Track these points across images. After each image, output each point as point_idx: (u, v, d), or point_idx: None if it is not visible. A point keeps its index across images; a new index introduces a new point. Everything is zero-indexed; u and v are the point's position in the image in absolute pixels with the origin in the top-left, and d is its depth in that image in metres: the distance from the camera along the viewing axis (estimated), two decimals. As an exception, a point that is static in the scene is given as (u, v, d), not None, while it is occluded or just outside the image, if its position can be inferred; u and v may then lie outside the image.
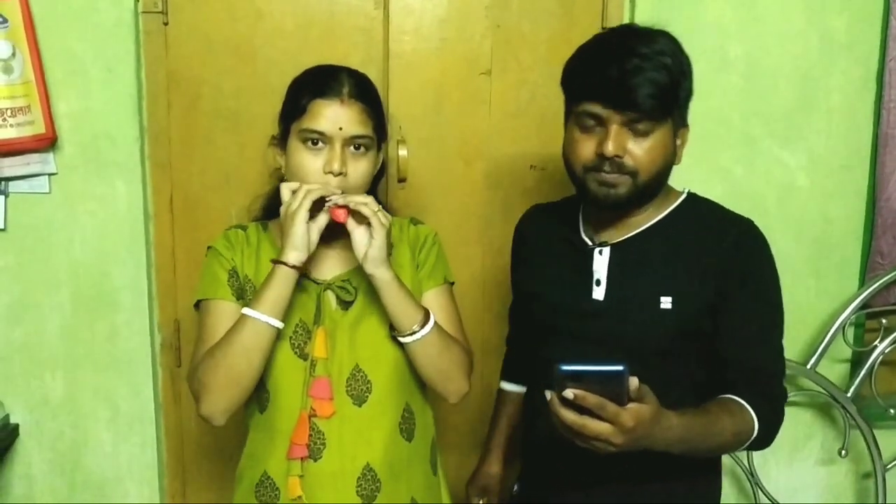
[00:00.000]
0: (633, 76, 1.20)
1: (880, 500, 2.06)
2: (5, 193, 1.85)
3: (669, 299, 1.30)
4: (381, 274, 1.29)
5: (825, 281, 2.07)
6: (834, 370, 2.10)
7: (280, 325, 1.28)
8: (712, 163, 1.99)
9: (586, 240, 1.39)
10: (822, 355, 2.00)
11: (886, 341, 2.02)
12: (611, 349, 1.27)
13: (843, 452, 2.04)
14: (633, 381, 1.03)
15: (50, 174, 1.85)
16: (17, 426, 1.94)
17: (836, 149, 2.04)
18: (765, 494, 2.09)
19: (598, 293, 1.35)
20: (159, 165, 1.91)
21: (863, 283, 2.08)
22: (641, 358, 1.12)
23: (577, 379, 1.02)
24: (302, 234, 1.26)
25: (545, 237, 1.49)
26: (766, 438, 1.26)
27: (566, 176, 1.98)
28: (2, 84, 1.75)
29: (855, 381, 2.03)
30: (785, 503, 2.10)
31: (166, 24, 1.85)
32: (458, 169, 1.99)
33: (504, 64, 1.95)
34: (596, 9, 1.96)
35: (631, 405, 1.04)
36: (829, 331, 2.00)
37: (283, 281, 1.27)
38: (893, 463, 2.11)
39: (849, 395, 2.02)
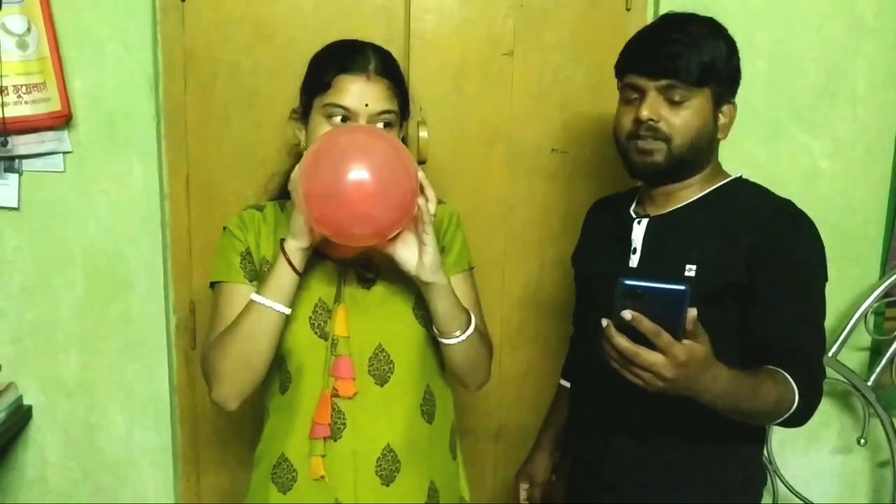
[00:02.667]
0: (669, 46, 1.31)
1: (898, 489, 2.06)
2: (19, 172, 1.82)
3: (694, 267, 1.33)
4: (440, 279, 1.27)
5: (846, 269, 2.04)
6: (853, 358, 2.09)
7: (286, 310, 1.25)
8: (737, 148, 1.94)
9: (632, 213, 1.46)
10: (843, 344, 1.98)
11: (908, 330, 2.01)
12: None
13: (863, 441, 2.03)
14: (692, 312, 1.04)
15: (65, 152, 1.82)
16: (30, 408, 1.92)
17: (860, 135, 2.01)
18: (782, 482, 2.07)
19: (634, 261, 1.42)
20: (175, 144, 1.88)
21: (884, 271, 2.06)
22: None
23: (637, 298, 1.02)
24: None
25: (603, 218, 1.57)
26: (803, 415, 1.25)
27: (588, 159, 2.00)
28: (17, 60, 1.72)
29: (875, 369, 2.01)
30: (801, 491, 2.09)
31: (183, 0, 1.81)
32: (479, 151, 1.96)
33: (527, 44, 1.92)
34: (621, -11, 1.93)
35: (685, 341, 1.05)
36: (850, 319, 1.98)
37: (288, 266, 1.24)
38: (911, 452, 2.10)
39: (869, 383, 2.00)
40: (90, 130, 1.82)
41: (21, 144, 1.78)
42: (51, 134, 1.79)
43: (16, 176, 1.81)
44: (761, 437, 1.46)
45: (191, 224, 1.92)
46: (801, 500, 2.08)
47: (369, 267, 1.35)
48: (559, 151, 1.98)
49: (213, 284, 1.37)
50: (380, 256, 1.34)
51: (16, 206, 1.83)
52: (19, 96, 1.73)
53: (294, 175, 1.21)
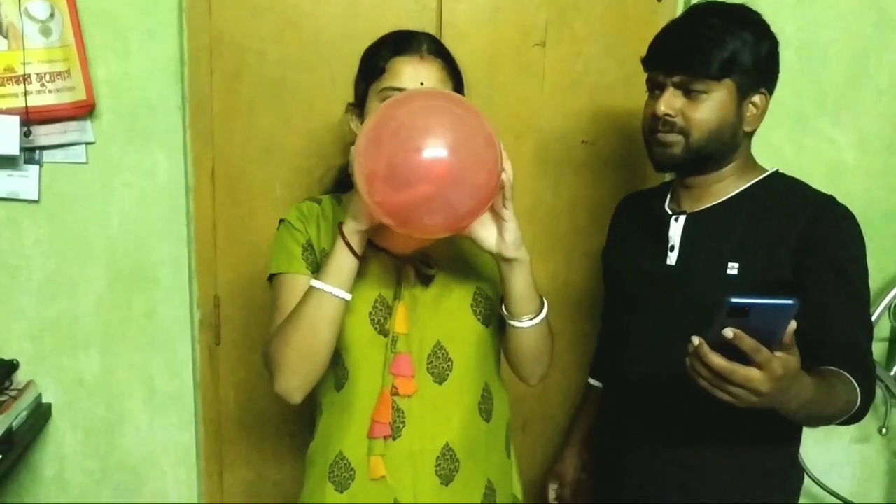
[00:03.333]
0: (686, 41, 1.31)
1: (916, 477, 2.09)
2: (39, 163, 1.76)
3: (737, 266, 1.32)
4: (523, 255, 1.23)
5: (868, 260, 2.06)
6: (875, 349, 2.10)
7: (347, 296, 1.21)
8: (763, 140, 1.93)
9: (667, 209, 1.44)
10: (868, 334, 2.00)
11: (931, 321, 2.03)
12: (680, 316, 1.31)
13: (885, 430, 2.06)
14: (793, 325, 1.01)
15: (87, 143, 1.77)
16: (49, 406, 1.87)
17: (883, 128, 2.03)
18: (805, 472, 2.09)
19: (672, 258, 1.40)
20: (201, 135, 1.83)
21: (904, 262, 2.09)
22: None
23: (741, 315, 0.99)
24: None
25: (635, 214, 1.55)
26: (863, 412, 1.25)
27: (617, 151, 1.99)
28: (40, 47, 1.67)
29: (897, 359, 2.04)
30: (821, 479, 2.11)
31: (210, -14, 1.77)
32: (508, 142, 1.86)
33: (559, 35, 1.89)
34: (651, -19, 1.92)
35: (778, 353, 1.02)
36: (875, 310, 1.99)
37: (347, 249, 1.20)
38: (930, 440, 2.13)
39: (892, 374, 2.03)
40: (114, 120, 1.77)
41: (42, 135, 1.73)
42: (74, 124, 1.74)
43: (36, 167, 1.76)
44: (798, 439, 1.46)
45: (216, 217, 1.88)
46: (825, 489, 2.10)
47: (428, 262, 1.33)
48: (589, 143, 1.96)
49: (271, 277, 1.34)
50: (439, 249, 1.32)
51: (36, 198, 1.77)
52: (42, 84, 1.67)
53: (352, 153, 1.14)
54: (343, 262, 1.20)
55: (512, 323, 1.28)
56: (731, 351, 1.01)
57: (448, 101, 1.15)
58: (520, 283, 1.24)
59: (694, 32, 1.30)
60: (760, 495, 1.39)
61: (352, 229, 1.19)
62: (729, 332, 0.99)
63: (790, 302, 0.99)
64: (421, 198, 1.06)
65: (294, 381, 1.26)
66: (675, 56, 1.31)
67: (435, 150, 1.04)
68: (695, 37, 1.29)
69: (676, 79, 1.31)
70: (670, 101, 1.31)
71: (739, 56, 1.30)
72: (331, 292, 1.20)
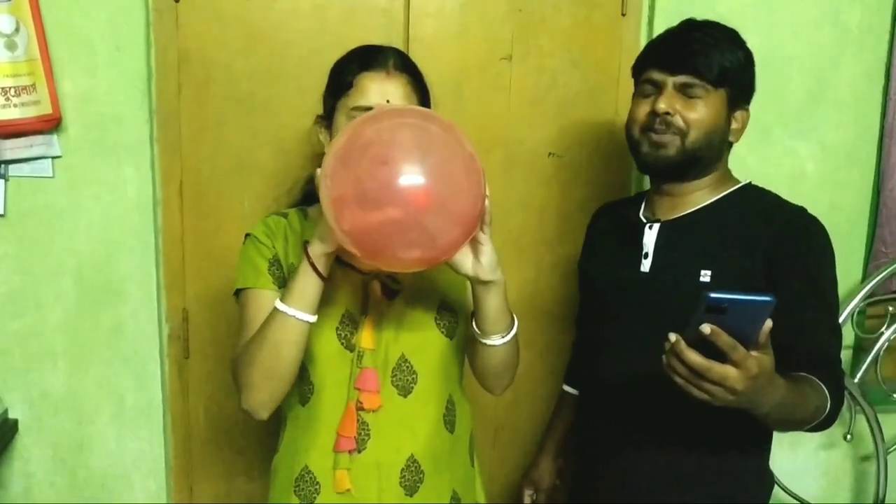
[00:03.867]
0: (690, 44, 1.35)
1: (881, 481, 2.12)
2: (5, 177, 1.75)
3: (709, 273, 1.34)
4: (499, 277, 1.21)
5: (831, 269, 2.10)
6: (838, 356, 2.15)
7: (311, 319, 1.20)
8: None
9: (642, 217, 1.47)
10: (831, 342, 2.03)
11: (893, 328, 2.07)
12: (653, 322, 1.28)
13: (849, 437, 2.09)
14: (768, 324, 1.02)
15: (54, 157, 1.76)
16: (16, 421, 1.85)
17: (844, 139, 2.07)
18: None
19: (646, 266, 1.43)
20: (168, 149, 1.82)
21: (867, 271, 2.12)
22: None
23: (719, 312, 0.99)
24: None
25: (610, 223, 1.58)
26: (833, 418, 1.27)
27: (584, 163, 2.01)
28: (5, 61, 1.66)
29: (861, 366, 2.07)
30: (788, 486, 2.14)
31: (177, 1, 1.77)
32: (477, 155, 1.95)
33: (525, 49, 1.92)
34: (616, -5, 1.95)
35: (754, 353, 1.04)
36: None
37: (312, 271, 1.18)
38: (895, 446, 2.17)
39: (855, 380, 2.06)
40: (80, 134, 1.76)
41: (8, 149, 1.72)
42: (40, 138, 1.73)
43: (2, 181, 1.75)
44: (769, 446, 1.48)
45: (184, 231, 1.87)
46: (792, 496, 2.13)
47: (394, 277, 1.33)
48: (556, 155, 1.99)
49: (237, 292, 1.34)
50: None
51: (2, 212, 1.76)
52: (7, 99, 1.67)
53: (318, 176, 1.09)
54: (308, 285, 1.19)
55: (483, 341, 1.29)
56: (707, 349, 1.03)
57: (425, 119, 1.08)
58: (494, 304, 1.24)
59: (697, 38, 1.35)
60: (733, 498, 1.41)
61: (318, 252, 1.16)
62: (706, 328, 1.00)
63: (767, 298, 1.00)
64: (395, 226, 0.99)
65: (260, 399, 1.26)
66: (681, 57, 1.35)
67: (411, 174, 0.96)
68: (699, 42, 1.34)
69: (680, 79, 1.34)
70: (671, 101, 1.34)
71: (734, 69, 1.36)
72: (294, 315, 1.19)
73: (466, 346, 1.38)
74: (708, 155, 1.38)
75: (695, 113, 1.34)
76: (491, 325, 1.27)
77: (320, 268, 1.18)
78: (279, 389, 1.26)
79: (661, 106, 1.34)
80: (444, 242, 1.01)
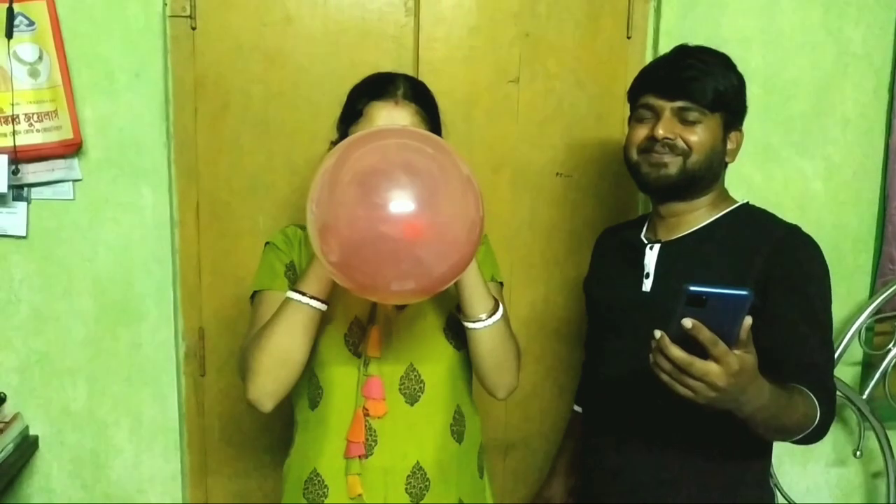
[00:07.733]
0: (685, 71, 1.38)
1: (892, 499, 2.12)
2: (28, 200, 1.81)
3: None
4: None
5: (838, 286, 2.09)
6: (847, 373, 2.16)
7: (323, 306, 1.24)
8: (734, 171, 2.00)
9: (643, 238, 1.51)
10: (839, 359, 2.05)
11: (901, 345, 2.08)
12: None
13: (859, 453, 2.09)
14: (748, 320, 1.05)
15: (74, 180, 1.81)
16: (36, 438, 1.89)
17: (850, 157, 2.09)
18: (783, 496, 2.13)
19: (647, 285, 1.46)
20: (186, 172, 1.88)
21: (874, 288, 2.14)
22: None
23: (699, 305, 1.02)
24: None
25: (614, 244, 1.61)
26: (822, 430, 1.28)
27: (591, 183, 2.04)
28: (28, 88, 1.72)
29: (869, 383, 2.08)
30: (799, 502, 2.15)
31: (194, 28, 1.83)
32: (486, 176, 1.99)
33: (532, 72, 1.96)
34: (621, 19, 1.98)
35: (736, 351, 1.06)
36: (845, 336, 2.04)
37: (321, 264, 1.17)
38: (905, 462, 2.17)
39: (864, 397, 2.07)
40: (100, 158, 1.82)
41: (30, 173, 1.78)
42: (61, 162, 1.79)
43: (24, 204, 1.80)
44: (769, 457, 1.50)
45: (200, 251, 1.92)
46: (801, 512, 2.14)
47: None
48: (563, 176, 2.02)
49: (253, 295, 1.38)
50: None
51: (24, 234, 1.82)
52: (31, 125, 1.72)
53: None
54: (321, 271, 1.22)
55: (469, 325, 1.31)
56: (691, 347, 1.05)
57: (418, 140, 1.05)
58: (469, 283, 1.27)
59: (691, 64, 1.38)
60: None
61: None
62: (688, 322, 1.02)
63: (744, 292, 1.02)
64: (386, 258, 0.93)
65: (267, 387, 1.27)
66: (677, 83, 1.38)
67: (402, 200, 0.88)
68: (694, 68, 1.37)
69: (678, 104, 1.37)
70: (669, 126, 1.38)
71: (728, 93, 1.39)
72: (308, 303, 1.23)
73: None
74: (707, 176, 1.42)
75: (695, 136, 1.38)
76: (472, 306, 1.29)
77: None
78: (286, 378, 1.28)
79: (661, 132, 1.38)
80: (440, 273, 0.95)
